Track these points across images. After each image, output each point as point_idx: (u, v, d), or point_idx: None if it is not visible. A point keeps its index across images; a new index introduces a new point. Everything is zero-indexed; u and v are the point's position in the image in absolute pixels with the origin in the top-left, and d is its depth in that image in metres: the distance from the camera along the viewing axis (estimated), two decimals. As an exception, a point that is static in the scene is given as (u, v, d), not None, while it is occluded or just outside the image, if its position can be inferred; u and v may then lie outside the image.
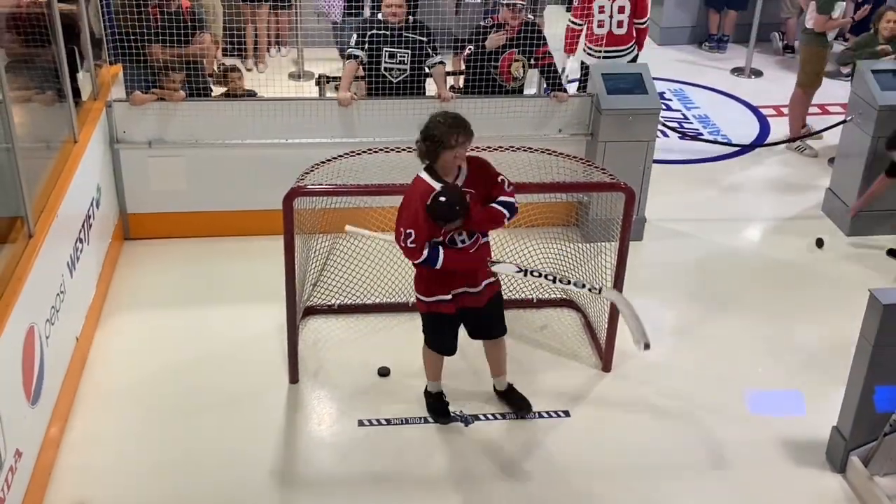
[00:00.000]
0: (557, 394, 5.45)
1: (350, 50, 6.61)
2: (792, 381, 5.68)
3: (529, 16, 6.82)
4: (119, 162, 6.53)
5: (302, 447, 5.07)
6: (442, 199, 4.47)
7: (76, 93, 6.16)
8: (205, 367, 5.56)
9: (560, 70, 7.17)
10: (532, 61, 6.76)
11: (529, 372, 5.21)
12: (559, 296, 6.19)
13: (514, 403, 5.23)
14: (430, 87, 6.84)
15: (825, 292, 6.55)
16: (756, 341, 6.01)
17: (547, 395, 5.41)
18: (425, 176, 4.59)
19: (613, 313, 5.51)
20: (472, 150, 5.45)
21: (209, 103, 6.58)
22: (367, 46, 6.53)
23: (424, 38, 6.53)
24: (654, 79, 6.88)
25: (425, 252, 4.57)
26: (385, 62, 6.55)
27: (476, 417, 5.25)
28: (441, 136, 4.47)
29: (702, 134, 8.90)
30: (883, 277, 6.66)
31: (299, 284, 5.42)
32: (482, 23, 6.82)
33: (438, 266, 4.61)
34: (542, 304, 6.15)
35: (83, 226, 5.68)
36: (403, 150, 5.73)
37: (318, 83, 8.58)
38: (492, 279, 4.86)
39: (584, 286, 4.86)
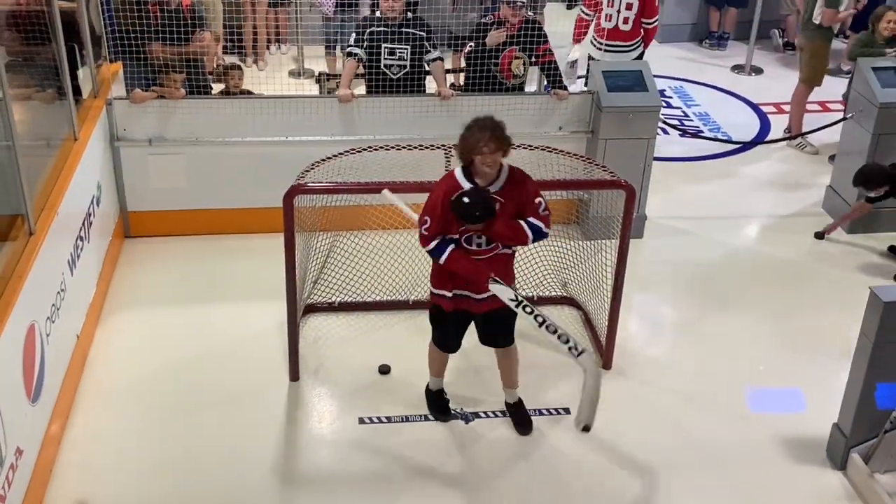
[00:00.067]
0: (558, 391, 5.45)
1: (349, 48, 6.62)
2: (792, 378, 5.68)
3: (530, 13, 6.81)
4: (119, 160, 6.53)
5: (302, 445, 5.07)
6: (465, 199, 4.45)
7: (76, 90, 6.16)
8: (205, 364, 5.56)
9: (568, 58, 7.18)
10: (533, 59, 6.76)
11: (530, 369, 5.21)
12: (559, 293, 6.19)
13: (517, 420, 5.19)
14: (431, 83, 6.83)
15: (825, 289, 6.55)
16: (756, 339, 6.01)
17: (547, 392, 5.41)
18: (458, 173, 4.58)
19: (614, 312, 5.52)
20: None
21: (209, 101, 6.58)
22: (366, 44, 6.53)
23: (423, 34, 6.53)
24: (655, 76, 6.87)
25: (434, 243, 4.58)
26: (385, 59, 6.56)
27: (476, 415, 5.25)
28: (469, 140, 4.44)
29: (702, 131, 8.90)
30: (883, 275, 6.66)
31: (300, 282, 5.42)
32: (483, 20, 6.83)
33: (441, 261, 4.62)
34: (542, 301, 6.14)
35: (84, 224, 5.68)
36: (403, 147, 5.75)
37: (318, 81, 8.59)
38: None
39: (567, 342, 4.61)
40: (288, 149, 6.43)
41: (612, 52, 7.61)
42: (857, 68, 7.27)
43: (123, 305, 6.06)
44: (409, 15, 6.58)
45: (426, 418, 5.21)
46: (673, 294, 6.48)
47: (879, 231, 7.08)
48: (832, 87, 8.88)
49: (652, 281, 6.47)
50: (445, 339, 5.00)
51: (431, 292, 4.87)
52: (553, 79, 6.77)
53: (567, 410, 5.32)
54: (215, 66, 7.62)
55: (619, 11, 7.58)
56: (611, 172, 5.48)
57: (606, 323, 5.60)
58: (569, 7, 11.16)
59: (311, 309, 5.99)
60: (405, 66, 6.57)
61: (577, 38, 7.70)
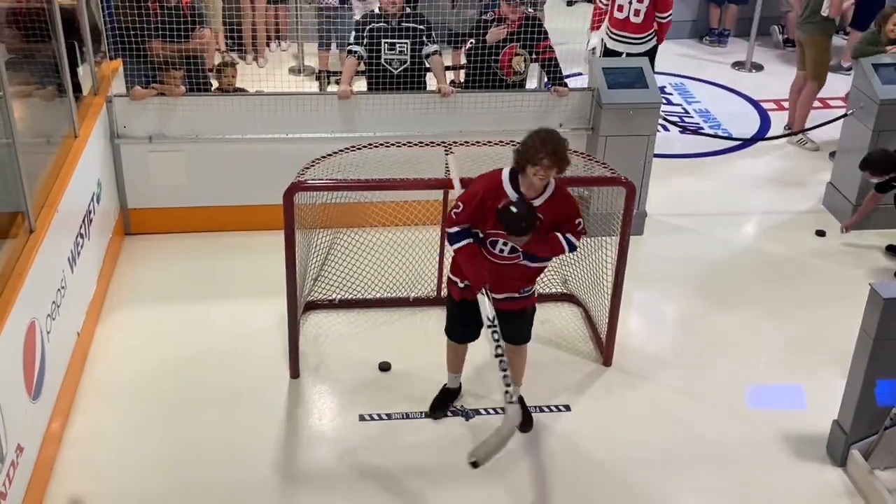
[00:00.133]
0: (558, 388, 5.45)
1: (350, 46, 6.62)
2: (792, 375, 5.69)
3: (530, 10, 6.81)
4: (119, 157, 6.53)
5: (303, 442, 5.08)
6: (514, 209, 4.44)
7: (76, 88, 6.15)
8: (206, 362, 5.56)
9: (588, 46, 7.19)
10: (533, 55, 6.75)
11: (530, 366, 5.21)
12: (560, 290, 6.19)
13: None
14: (431, 80, 6.83)
15: (826, 286, 6.55)
16: (756, 335, 6.01)
17: (548, 389, 5.42)
18: (505, 175, 4.55)
19: (614, 309, 5.52)
20: (472, 143, 5.47)
21: (209, 98, 6.57)
22: (366, 41, 6.53)
23: (423, 27, 6.54)
24: (655, 73, 6.87)
25: (456, 228, 4.58)
26: (385, 53, 6.56)
27: (476, 412, 5.26)
28: (528, 149, 4.40)
29: (702, 128, 8.89)
30: (883, 272, 6.67)
31: (300, 279, 5.42)
32: (484, 17, 6.83)
33: (453, 248, 4.65)
34: (542, 298, 6.13)
35: (84, 221, 5.68)
36: (403, 144, 5.75)
37: (318, 78, 8.58)
38: (515, 295, 4.79)
39: (507, 385, 4.54)
40: (288, 146, 6.43)
41: (622, 42, 7.64)
42: (858, 65, 7.27)
43: (124, 302, 6.06)
44: (409, 9, 6.58)
45: (426, 415, 5.21)
46: (673, 291, 6.48)
47: (880, 228, 7.07)
48: (833, 84, 8.87)
49: (652, 278, 6.47)
50: (451, 326, 4.99)
51: (448, 277, 4.89)
52: (553, 75, 6.77)
53: (567, 407, 5.33)
54: (215, 62, 7.60)
55: (630, 3, 7.61)
56: (611, 169, 5.47)
57: (607, 320, 5.60)
58: (569, 4, 11.19)
59: (312, 306, 6.00)
60: (405, 61, 6.58)
61: (595, 26, 7.75)
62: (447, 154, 5.07)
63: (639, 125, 6.61)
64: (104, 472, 4.79)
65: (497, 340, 4.59)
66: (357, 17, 8.15)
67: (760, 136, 8.81)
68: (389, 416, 5.21)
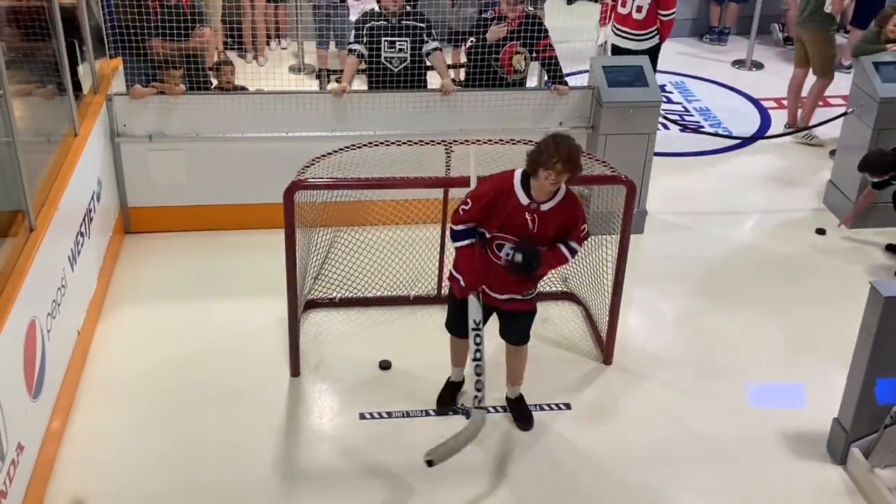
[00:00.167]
0: (558, 386, 5.45)
1: (350, 45, 6.62)
2: (793, 373, 5.69)
3: (530, 8, 6.81)
4: (120, 155, 6.53)
5: (303, 440, 5.08)
6: (518, 259, 4.54)
7: (76, 86, 6.15)
8: (206, 360, 5.57)
9: (596, 40, 7.21)
10: (534, 54, 6.75)
11: (531, 364, 5.21)
12: (560, 289, 6.19)
13: (518, 415, 5.20)
14: (431, 78, 6.83)
15: (826, 284, 6.55)
16: (757, 334, 6.01)
17: (548, 387, 5.42)
18: (517, 177, 4.55)
19: (615, 308, 5.52)
20: (473, 141, 5.47)
21: (209, 97, 6.57)
22: (366, 39, 6.53)
23: (423, 25, 6.54)
24: (655, 71, 6.87)
25: (462, 226, 4.60)
26: (385, 52, 6.56)
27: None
28: (542, 153, 4.39)
29: (703, 126, 8.89)
30: (884, 270, 6.66)
31: (300, 278, 5.42)
32: (484, 15, 6.82)
33: (454, 245, 4.66)
34: (543, 297, 6.13)
35: (84, 219, 5.68)
36: (404, 143, 5.74)
37: (318, 76, 8.58)
38: (519, 297, 4.79)
39: (478, 390, 4.73)
40: (288, 145, 6.43)
41: (624, 38, 7.66)
42: (858, 63, 7.27)
43: (124, 301, 6.06)
44: (409, 8, 6.58)
45: (427, 413, 5.22)
46: (673, 289, 6.48)
47: (881, 226, 7.07)
48: (833, 82, 8.85)
49: (652, 276, 6.47)
50: (452, 321, 4.99)
51: (450, 272, 4.89)
52: (554, 74, 6.76)
53: (568, 406, 5.33)
54: (215, 60, 7.60)
55: None
56: (611, 168, 5.47)
57: (607, 318, 5.61)
58: (569, 2, 11.18)
59: (312, 305, 6.00)
60: (405, 59, 6.57)
61: (603, 21, 7.79)
62: (471, 149, 5.09)
63: (639, 123, 6.61)
64: (104, 471, 4.79)
65: (478, 345, 4.67)
66: (353, 15, 8.15)
67: (761, 134, 8.81)
68: (390, 415, 5.21)
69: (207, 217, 6.69)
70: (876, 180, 6.63)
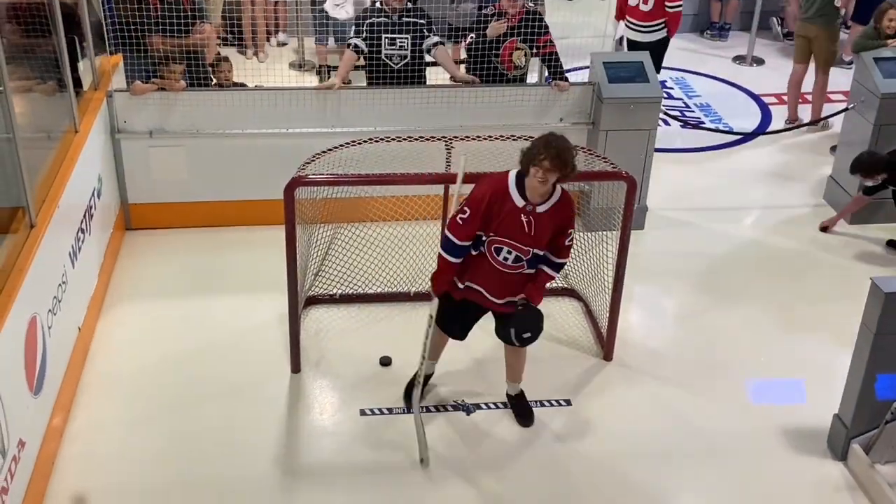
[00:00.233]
0: (559, 383, 5.45)
1: (350, 40, 6.60)
2: (793, 369, 5.69)
3: (530, 3, 6.80)
4: (120, 152, 6.53)
5: (304, 436, 5.08)
6: (525, 336, 4.74)
7: (77, 82, 6.15)
8: (206, 357, 5.57)
9: (616, 36, 7.25)
10: (534, 50, 6.74)
11: (531, 361, 5.22)
12: (561, 285, 6.19)
13: (518, 411, 5.19)
14: (431, 75, 6.81)
15: (826, 280, 6.55)
16: (757, 329, 6.01)
17: (548, 383, 5.42)
18: (512, 178, 4.53)
19: (615, 304, 5.52)
20: (473, 137, 5.47)
21: (210, 93, 6.57)
22: (366, 35, 6.52)
23: (423, 21, 6.53)
24: (661, 66, 6.87)
25: (461, 242, 4.56)
26: (385, 48, 6.55)
27: (477, 406, 5.26)
28: (532, 149, 4.39)
29: (703, 122, 8.89)
30: (884, 266, 6.66)
31: (301, 274, 5.42)
32: (484, 11, 6.81)
33: (441, 253, 4.64)
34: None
35: (85, 216, 5.68)
36: (404, 139, 5.74)
37: (318, 72, 8.57)
38: (515, 300, 4.78)
39: (414, 384, 4.92)
40: (289, 141, 6.43)
41: (632, 29, 7.72)
42: (859, 59, 7.27)
43: (125, 298, 6.06)
44: (409, 5, 6.57)
45: (427, 410, 5.21)
46: (674, 285, 6.48)
47: (881, 222, 7.06)
48: (834, 78, 8.86)
49: (653, 272, 6.47)
50: (448, 323, 4.96)
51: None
52: (554, 70, 6.76)
53: (568, 402, 5.33)
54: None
55: None
56: (612, 164, 5.47)
57: (607, 314, 5.60)
58: (569, -1, 11.15)
59: (313, 301, 6.00)
60: (406, 56, 6.56)
61: (617, 15, 7.88)
62: (462, 155, 5.07)
63: (640, 119, 6.60)
64: (105, 467, 4.79)
65: (426, 339, 4.78)
66: (338, 15, 8.22)
67: (761, 130, 8.81)
68: (390, 411, 5.22)
69: (208, 213, 6.69)
70: (869, 184, 6.64)
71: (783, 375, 5.66)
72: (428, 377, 5.23)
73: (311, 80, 8.43)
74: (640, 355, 5.71)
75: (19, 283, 4.39)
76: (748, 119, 9.05)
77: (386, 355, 5.57)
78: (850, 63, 9.08)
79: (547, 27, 6.72)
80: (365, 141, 5.59)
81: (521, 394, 5.22)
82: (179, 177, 6.61)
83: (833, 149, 7.93)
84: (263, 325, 5.77)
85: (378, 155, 5.59)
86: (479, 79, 6.66)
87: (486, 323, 4.92)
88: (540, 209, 4.52)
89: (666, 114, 8.09)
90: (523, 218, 4.52)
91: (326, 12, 8.63)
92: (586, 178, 6.04)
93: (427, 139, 5.75)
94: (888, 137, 6.85)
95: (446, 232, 4.65)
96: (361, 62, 6.77)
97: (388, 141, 5.66)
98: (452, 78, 6.68)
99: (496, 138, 5.56)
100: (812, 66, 8.65)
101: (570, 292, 6.21)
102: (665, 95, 8.66)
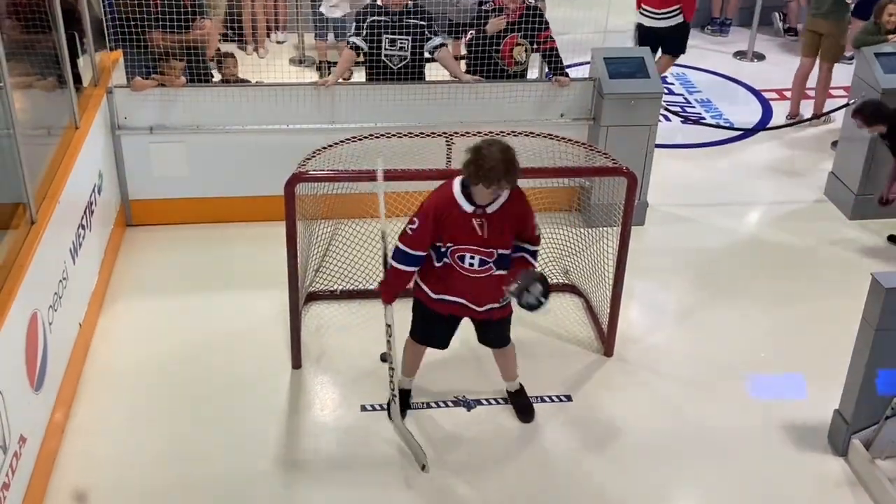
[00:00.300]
0: (559, 378, 5.46)
1: (350, 38, 6.59)
2: (793, 364, 5.69)
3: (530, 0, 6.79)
4: (121, 148, 6.53)
5: (305, 432, 5.09)
6: (532, 301, 4.49)
7: (77, 79, 6.15)
8: (207, 352, 5.57)
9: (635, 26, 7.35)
10: (534, 45, 6.74)
11: (531, 357, 5.22)
12: (561, 280, 6.19)
13: (518, 407, 5.19)
14: (430, 72, 6.80)
15: (827, 276, 6.55)
16: (757, 325, 6.01)
17: (549, 379, 5.42)
18: (456, 188, 4.47)
19: (616, 300, 5.52)
20: (473, 134, 5.46)
21: (210, 89, 6.57)
22: (365, 33, 6.51)
23: (424, 23, 6.51)
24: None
25: (414, 252, 4.54)
26: (385, 49, 6.53)
27: (478, 402, 5.26)
28: (482, 168, 4.25)
29: (704, 118, 8.88)
30: (885, 261, 6.66)
31: (301, 270, 5.42)
32: (483, 6, 6.81)
33: (393, 265, 4.62)
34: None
35: (85, 212, 5.68)
36: (405, 135, 5.74)
37: (318, 68, 8.57)
38: (496, 306, 4.76)
39: (392, 388, 4.90)
40: (289, 137, 6.42)
41: (648, 17, 7.77)
42: (860, 54, 7.26)
43: (125, 294, 6.07)
44: (410, 4, 6.55)
45: (427, 405, 5.22)
46: (674, 281, 6.48)
47: (881, 217, 7.06)
48: (835, 73, 8.85)
49: (653, 268, 6.47)
50: (430, 334, 4.95)
51: (416, 284, 4.80)
52: (554, 65, 6.75)
53: (568, 398, 5.33)
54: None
55: None
56: (612, 159, 5.46)
57: (608, 310, 5.60)
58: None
59: (313, 297, 6.00)
60: (405, 57, 6.55)
61: (638, 5, 8.10)
62: (379, 157, 4.90)
63: (640, 115, 6.60)
64: (107, 463, 4.80)
65: (388, 338, 4.79)
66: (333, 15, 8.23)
67: (762, 126, 8.80)
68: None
69: (208, 209, 6.69)
70: (867, 134, 6.57)
71: (784, 371, 5.66)
72: (406, 393, 5.18)
73: (312, 75, 8.42)
74: (641, 351, 5.71)
75: (20, 279, 4.40)
76: (749, 115, 9.04)
77: (386, 351, 5.56)
78: (851, 58, 9.07)
79: (547, 23, 6.72)
80: (365, 137, 5.58)
81: (521, 390, 5.22)
82: (180, 173, 6.61)
83: (834, 144, 7.93)
84: (264, 321, 5.77)
85: (379, 151, 5.57)
86: (480, 75, 6.65)
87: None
88: (490, 209, 4.48)
89: (667, 109, 8.09)
90: (475, 222, 4.48)
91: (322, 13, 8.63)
92: (587, 173, 6.06)
93: (428, 135, 5.74)
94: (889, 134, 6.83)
95: (397, 242, 4.61)
96: (360, 59, 6.76)
97: (388, 137, 5.65)
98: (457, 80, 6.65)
99: (497, 134, 5.54)
100: (817, 60, 8.63)
101: (570, 288, 6.21)
102: (666, 91, 8.64)
